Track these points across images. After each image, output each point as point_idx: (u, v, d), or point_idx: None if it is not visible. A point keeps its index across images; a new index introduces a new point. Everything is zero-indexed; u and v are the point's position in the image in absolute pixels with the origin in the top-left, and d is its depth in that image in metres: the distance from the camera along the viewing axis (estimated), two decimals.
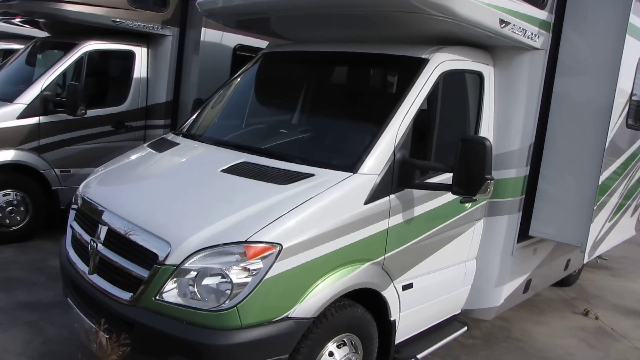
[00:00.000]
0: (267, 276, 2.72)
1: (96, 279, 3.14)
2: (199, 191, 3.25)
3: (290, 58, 4.45)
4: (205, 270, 2.72)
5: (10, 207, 5.77)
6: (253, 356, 2.75)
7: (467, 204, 3.92)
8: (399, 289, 3.51)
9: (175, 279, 2.75)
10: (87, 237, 3.33)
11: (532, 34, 3.91)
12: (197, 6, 4.46)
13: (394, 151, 3.29)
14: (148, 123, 6.61)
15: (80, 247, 3.44)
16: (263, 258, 2.72)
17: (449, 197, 3.74)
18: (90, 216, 3.38)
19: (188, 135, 4.21)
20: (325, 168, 3.21)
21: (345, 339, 3.22)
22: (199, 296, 2.72)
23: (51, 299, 4.67)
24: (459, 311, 4.34)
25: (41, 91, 5.78)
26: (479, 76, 3.97)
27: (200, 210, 3.02)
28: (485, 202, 4.09)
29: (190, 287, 2.73)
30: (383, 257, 3.33)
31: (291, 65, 4.51)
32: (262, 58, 4.63)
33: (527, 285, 4.83)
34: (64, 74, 5.96)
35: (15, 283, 4.92)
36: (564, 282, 6.26)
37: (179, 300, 2.75)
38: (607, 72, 4.01)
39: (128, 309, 2.89)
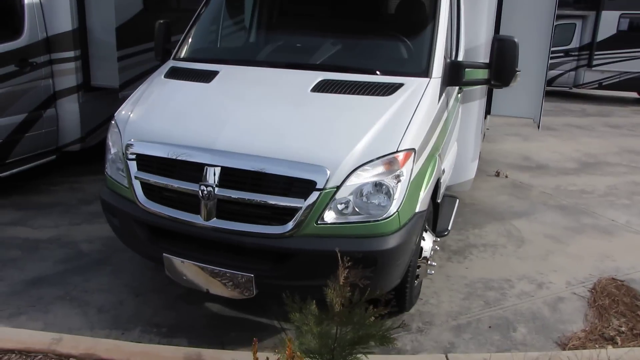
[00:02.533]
0: (411, 179, 3.02)
1: (221, 223, 2.97)
2: (311, 113, 3.23)
3: None
4: (366, 185, 2.88)
5: None
6: (404, 251, 3.09)
7: (459, 95, 4.56)
8: (442, 174, 4.08)
9: (336, 200, 2.85)
10: (185, 184, 3.05)
11: None
12: None
13: (444, 56, 3.68)
14: (53, 57, 5.61)
15: (168, 196, 3.15)
16: (407, 164, 2.99)
17: (457, 91, 4.34)
18: (181, 160, 3.08)
19: (215, 60, 3.88)
20: (406, 76, 3.46)
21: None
22: (363, 210, 2.88)
23: (54, 270, 4.13)
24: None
25: None
26: None
27: (334, 131, 3.07)
28: (462, 92, 4.76)
29: (353, 204, 2.87)
30: (441, 148, 3.83)
31: None
32: None
33: (479, 157, 5.81)
34: None
35: None
36: None
37: (342, 219, 2.88)
38: None
39: (287, 241, 2.88)
